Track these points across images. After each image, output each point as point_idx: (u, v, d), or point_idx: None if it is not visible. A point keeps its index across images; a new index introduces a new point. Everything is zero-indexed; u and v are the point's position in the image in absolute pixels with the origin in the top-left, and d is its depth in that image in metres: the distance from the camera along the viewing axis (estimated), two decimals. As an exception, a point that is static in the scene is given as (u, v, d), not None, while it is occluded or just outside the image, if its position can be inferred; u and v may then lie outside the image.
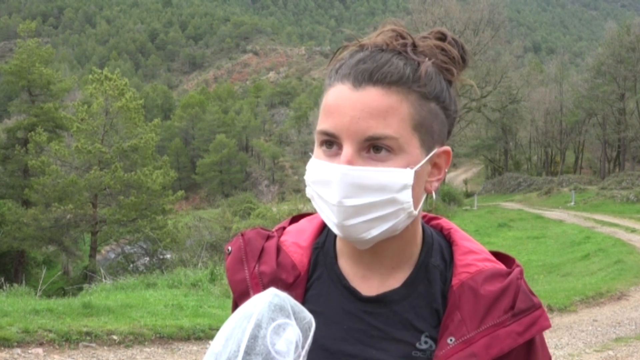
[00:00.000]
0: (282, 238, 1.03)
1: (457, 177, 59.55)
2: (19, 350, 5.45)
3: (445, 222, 1.03)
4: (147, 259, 21.13)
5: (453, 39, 0.93)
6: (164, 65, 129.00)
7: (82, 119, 23.21)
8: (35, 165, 23.46)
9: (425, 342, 0.90)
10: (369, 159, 0.85)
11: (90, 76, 25.07)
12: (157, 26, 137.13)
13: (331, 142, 0.87)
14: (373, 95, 0.85)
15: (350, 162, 0.84)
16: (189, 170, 70.38)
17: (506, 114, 42.06)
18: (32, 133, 25.32)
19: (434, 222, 1.04)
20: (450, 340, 0.88)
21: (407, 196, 0.86)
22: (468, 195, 42.77)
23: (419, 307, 0.92)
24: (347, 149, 0.85)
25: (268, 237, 1.03)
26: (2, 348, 5.42)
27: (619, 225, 20.03)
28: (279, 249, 1.01)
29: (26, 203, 25.98)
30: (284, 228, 1.07)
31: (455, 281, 0.92)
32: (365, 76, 0.85)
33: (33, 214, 22.87)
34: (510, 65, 37.81)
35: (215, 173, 67.09)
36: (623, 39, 41.16)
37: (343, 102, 0.85)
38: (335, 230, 0.89)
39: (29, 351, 5.49)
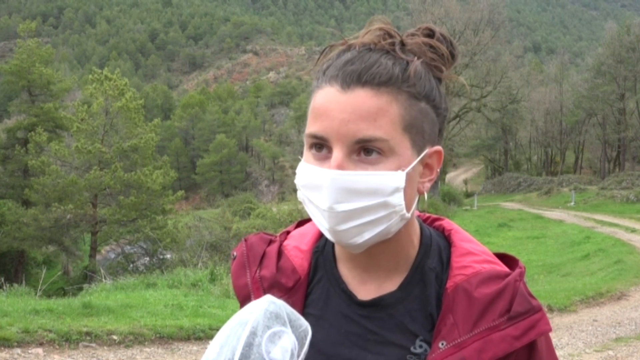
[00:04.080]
0: (285, 242, 1.02)
1: (457, 177, 59.57)
2: (19, 350, 5.44)
3: (447, 223, 1.01)
4: (147, 259, 21.11)
5: (441, 34, 0.90)
6: (164, 65, 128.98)
7: (82, 119, 23.19)
8: (35, 165, 23.45)
9: (420, 346, 0.89)
10: (359, 162, 0.83)
11: (90, 76, 25.06)
12: (157, 26, 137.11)
13: (321, 145, 0.85)
14: (362, 97, 0.82)
15: (340, 167, 0.82)
16: (189, 170, 70.31)
17: (506, 114, 42.03)
18: (32, 133, 25.31)
19: (437, 224, 1.02)
20: (442, 344, 0.86)
21: (399, 199, 0.84)
22: (468, 195, 42.81)
23: (414, 311, 0.91)
24: (337, 153, 0.83)
25: (270, 242, 1.02)
26: (2, 348, 5.42)
27: (619, 225, 20.04)
28: (280, 253, 1.00)
29: (26, 203, 25.96)
30: (288, 232, 1.06)
31: (449, 284, 0.90)
32: (354, 78, 0.83)
33: (33, 214, 22.87)
34: (510, 65, 37.77)
35: (215, 173, 67.00)
36: (623, 39, 41.20)
37: (332, 105, 0.83)
38: (327, 234, 0.88)
39: (29, 351, 5.49)
